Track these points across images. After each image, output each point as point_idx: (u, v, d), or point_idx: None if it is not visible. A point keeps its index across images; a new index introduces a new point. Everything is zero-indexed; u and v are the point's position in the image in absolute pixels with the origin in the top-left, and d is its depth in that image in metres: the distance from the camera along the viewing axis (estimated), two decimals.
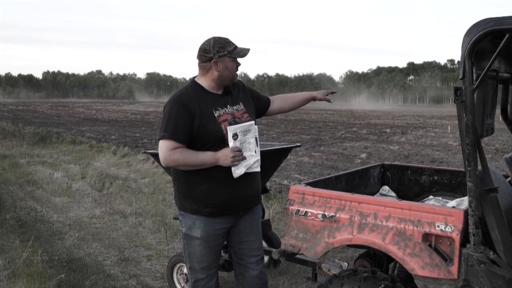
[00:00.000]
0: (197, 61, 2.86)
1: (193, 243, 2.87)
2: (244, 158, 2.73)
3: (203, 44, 2.82)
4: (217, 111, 2.79)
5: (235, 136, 2.71)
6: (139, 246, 5.41)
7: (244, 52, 2.84)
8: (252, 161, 2.77)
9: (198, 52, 2.83)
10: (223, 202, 2.80)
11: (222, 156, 2.69)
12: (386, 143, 17.17)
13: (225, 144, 2.73)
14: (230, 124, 2.76)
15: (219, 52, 2.76)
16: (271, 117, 35.86)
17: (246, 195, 2.88)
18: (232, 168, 2.73)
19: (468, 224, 2.37)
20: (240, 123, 2.79)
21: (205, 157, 2.70)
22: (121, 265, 4.85)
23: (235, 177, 2.74)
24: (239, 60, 2.86)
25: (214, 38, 2.81)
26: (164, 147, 2.71)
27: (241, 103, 2.93)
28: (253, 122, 2.83)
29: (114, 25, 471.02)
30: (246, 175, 2.77)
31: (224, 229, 2.91)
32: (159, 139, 2.75)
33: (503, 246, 2.37)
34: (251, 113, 2.95)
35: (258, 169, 2.83)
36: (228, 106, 2.85)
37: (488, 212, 2.38)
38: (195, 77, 2.91)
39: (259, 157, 2.81)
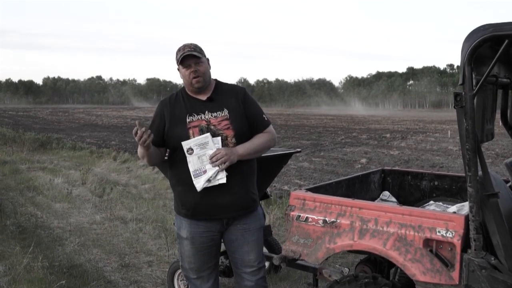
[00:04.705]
0: None
1: (183, 242, 2.95)
2: (204, 172, 2.68)
3: None
4: (191, 117, 2.78)
5: (190, 151, 2.70)
6: (140, 252, 5.40)
7: (182, 58, 2.72)
8: (211, 173, 2.68)
9: None
10: (192, 206, 2.83)
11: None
12: (386, 148, 17.18)
13: None
14: (201, 130, 2.73)
15: (176, 61, 2.80)
16: (271, 123, 35.81)
17: (218, 203, 2.78)
18: (193, 182, 2.72)
19: (469, 229, 2.37)
20: (214, 130, 2.73)
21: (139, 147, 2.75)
22: (122, 271, 4.85)
23: (198, 190, 2.72)
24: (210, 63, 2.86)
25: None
26: None
27: (225, 109, 2.78)
28: (208, 134, 2.69)
29: (115, 31, 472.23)
30: (215, 186, 2.71)
31: (209, 233, 2.87)
32: None
33: (504, 252, 2.37)
34: (234, 121, 2.77)
35: (224, 181, 2.70)
36: (207, 112, 2.78)
37: (489, 217, 2.39)
38: None
39: (222, 169, 2.68)
